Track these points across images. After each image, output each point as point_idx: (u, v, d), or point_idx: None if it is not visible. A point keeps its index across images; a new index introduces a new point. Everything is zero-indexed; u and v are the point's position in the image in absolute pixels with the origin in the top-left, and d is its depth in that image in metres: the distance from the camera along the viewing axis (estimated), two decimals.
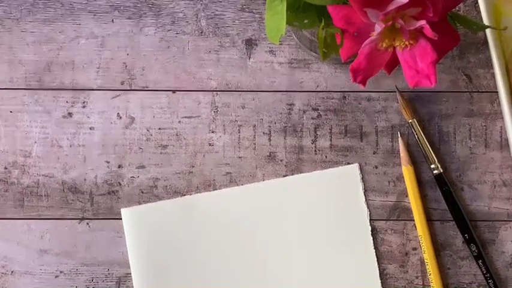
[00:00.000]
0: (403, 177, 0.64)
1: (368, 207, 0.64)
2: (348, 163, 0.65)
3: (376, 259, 0.63)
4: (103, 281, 0.64)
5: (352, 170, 0.65)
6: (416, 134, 0.64)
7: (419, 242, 0.63)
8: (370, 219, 0.64)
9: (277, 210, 0.64)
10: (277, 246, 0.64)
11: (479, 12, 0.63)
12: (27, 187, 0.65)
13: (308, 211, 0.64)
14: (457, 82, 0.66)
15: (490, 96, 0.65)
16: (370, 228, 0.64)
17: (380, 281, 0.63)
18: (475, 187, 0.64)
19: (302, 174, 0.65)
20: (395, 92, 0.65)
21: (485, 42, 0.63)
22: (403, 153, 0.64)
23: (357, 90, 0.65)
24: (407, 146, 0.65)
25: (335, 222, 0.64)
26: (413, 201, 0.63)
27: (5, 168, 0.65)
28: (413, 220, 0.63)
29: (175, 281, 0.63)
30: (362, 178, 0.64)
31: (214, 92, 0.66)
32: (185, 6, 0.67)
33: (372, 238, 0.63)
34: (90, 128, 0.66)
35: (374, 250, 0.63)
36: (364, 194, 0.64)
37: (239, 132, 0.65)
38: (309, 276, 0.63)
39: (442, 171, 0.64)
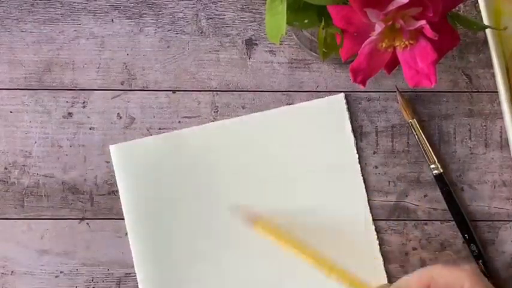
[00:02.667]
0: (403, 177, 0.64)
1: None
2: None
3: (364, 187, 0.64)
4: (103, 281, 0.64)
5: (338, 100, 0.65)
6: (416, 134, 0.64)
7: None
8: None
9: (266, 141, 0.64)
10: (267, 176, 0.64)
11: (479, 12, 0.63)
12: (27, 187, 0.65)
13: (296, 141, 0.64)
14: (457, 82, 0.66)
15: (490, 96, 0.65)
16: (357, 155, 0.64)
17: (369, 207, 0.64)
18: (475, 187, 0.64)
19: (288, 106, 0.65)
20: (395, 92, 0.65)
21: (485, 42, 0.63)
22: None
23: (357, 90, 0.65)
24: (407, 146, 0.65)
25: (323, 150, 0.64)
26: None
27: (5, 168, 0.65)
28: (413, 220, 0.64)
29: (165, 212, 0.63)
30: (348, 108, 0.64)
31: (214, 92, 0.66)
32: (185, 6, 0.67)
33: (359, 166, 0.64)
34: (90, 128, 0.66)
35: (362, 177, 0.64)
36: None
37: None
38: (301, 205, 0.63)
39: (442, 171, 0.64)
